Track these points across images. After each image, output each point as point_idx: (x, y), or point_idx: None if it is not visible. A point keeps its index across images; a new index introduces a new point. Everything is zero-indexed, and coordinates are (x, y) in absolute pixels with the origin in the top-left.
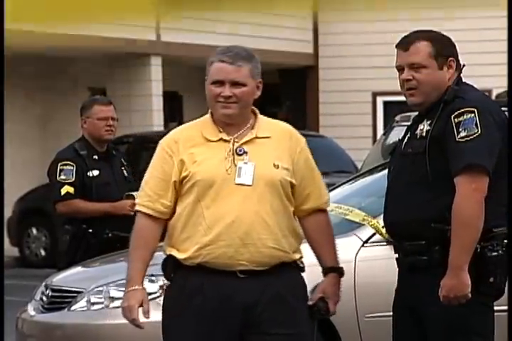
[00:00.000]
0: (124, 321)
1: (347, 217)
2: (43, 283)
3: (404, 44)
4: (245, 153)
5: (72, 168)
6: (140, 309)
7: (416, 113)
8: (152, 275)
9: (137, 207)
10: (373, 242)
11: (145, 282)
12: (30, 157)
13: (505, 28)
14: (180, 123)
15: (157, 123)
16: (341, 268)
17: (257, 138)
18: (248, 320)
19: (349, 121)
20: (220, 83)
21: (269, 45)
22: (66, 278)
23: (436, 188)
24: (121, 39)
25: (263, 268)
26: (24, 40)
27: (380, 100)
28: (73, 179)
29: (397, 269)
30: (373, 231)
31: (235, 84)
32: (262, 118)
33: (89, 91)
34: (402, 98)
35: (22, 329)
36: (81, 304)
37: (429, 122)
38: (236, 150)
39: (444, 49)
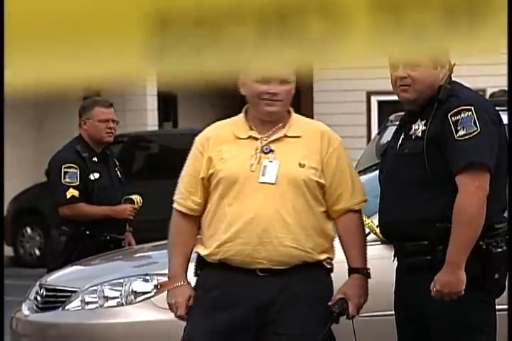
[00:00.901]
0: (119, 320)
1: None
2: (37, 283)
3: None
4: (272, 151)
5: (76, 170)
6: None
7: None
8: (147, 274)
9: (174, 204)
10: (367, 242)
11: (139, 281)
12: (24, 157)
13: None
14: (175, 122)
15: (151, 122)
16: (365, 269)
17: (286, 136)
18: (262, 319)
19: (343, 120)
20: (265, 80)
21: None
22: (60, 277)
23: (436, 188)
24: None
25: (282, 267)
26: None
27: (374, 99)
28: (77, 182)
29: (395, 269)
30: (367, 230)
31: (282, 81)
32: (296, 117)
33: (83, 90)
34: (396, 97)
35: (16, 328)
36: (75, 303)
37: (423, 122)
38: (263, 148)
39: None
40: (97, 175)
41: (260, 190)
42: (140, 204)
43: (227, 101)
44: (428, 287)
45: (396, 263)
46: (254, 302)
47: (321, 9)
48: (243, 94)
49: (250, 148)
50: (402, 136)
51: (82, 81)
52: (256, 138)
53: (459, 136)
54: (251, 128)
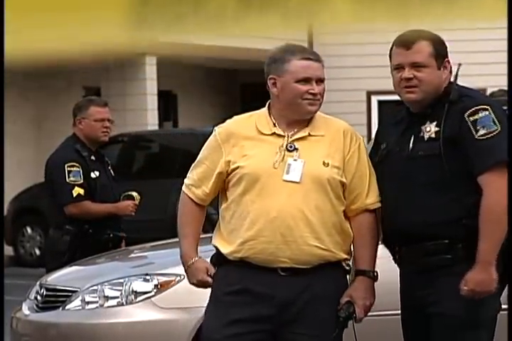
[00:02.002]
0: (119, 320)
1: None
2: (38, 282)
3: (407, 43)
4: (296, 149)
5: (78, 169)
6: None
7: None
8: (147, 274)
9: (183, 187)
10: None
11: (139, 281)
12: (24, 156)
13: (500, 28)
14: (175, 122)
15: (152, 122)
16: (372, 272)
17: (310, 135)
18: (282, 318)
19: (344, 120)
20: (306, 80)
21: (264, 44)
22: (61, 277)
23: (457, 188)
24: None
25: (305, 266)
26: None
27: (374, 99)
28: (81, 180)
29: (402, 270)
30: None
31: (319, 81)
32: (319, 116)
33: (83, 90)
34: (397, 97)
35: (17, 328)
36: (76, 303)
37: (434, 123)
38: (287, 146)
39: (441, 49)
40: (97, 173)
41: (284, 188)
42: (138, 201)
43: (227, 100)
44: (446, 286)
45: (393, 263)
46: (276, 302)
47: None
48: (275, 94)
49: (274, 145)
50: (412, 138)
51: (74, 49)
52: (280, 136)
53: (480, 136)
54: (274, 125)
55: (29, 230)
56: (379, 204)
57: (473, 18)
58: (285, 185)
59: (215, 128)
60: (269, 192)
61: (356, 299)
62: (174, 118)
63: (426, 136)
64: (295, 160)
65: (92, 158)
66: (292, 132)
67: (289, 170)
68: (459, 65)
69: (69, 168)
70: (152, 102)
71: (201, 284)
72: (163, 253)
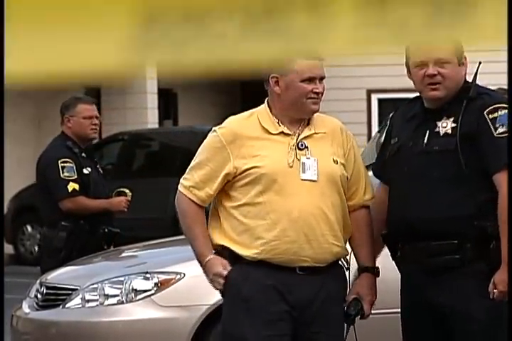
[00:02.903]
0: (119, 318)
1: None
2: (38, 281)
3: None
4: (306, 147)
5: (72, 165)
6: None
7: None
8: (147, 272)
9: (182, 189)
10: None
11: (139, 279)
12: (24, 155)
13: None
14: (175, 120)
15: (152, 120)
16: (376, 268)
17: (315, 133)
18: (303, 318)
19: (344, 118)
20: (310, 80)
21: None
22: (61, 275)
23: (471, 183)
24: None
25: (322, 264)
26: None
27: (374, 98)
28: (75, 176)
29: (403, 269)
30: None
31: (321, 79)
32: (315, 114)
33: (83, 88)
34: (397, 95)
35: (17, 326)
36: (76, 301)
37: (451, 119)
38: (298, 144)
39: (459, 46)
40: (89, 170)
41: (301, 187)
42: (130, 197)
43: (227, 98)
44: (463, 288)
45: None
46: (297, 301)
47: (308, 5)
48: (277, 93)
49: (284, 144)
50: (427, 133)
51: (74, 74)
52: (287, 134)
53: (499, 133)
54: (279, 124)
55: (29, 228)
56: (373, 200)
57: (475, 43)
58: (303, 183)
59: (215, 129)
60: (288, 191)
61: (363, 296)
62: (174, 116)
63: (442, 132)
64: (308, 158)
65: (83, 155)
66: (298, 130)
67: (304, 168)
68: (479, 63)
69: (62, 164)
70: (152, 101)
71: (217, 278)
72: (162, 251)
